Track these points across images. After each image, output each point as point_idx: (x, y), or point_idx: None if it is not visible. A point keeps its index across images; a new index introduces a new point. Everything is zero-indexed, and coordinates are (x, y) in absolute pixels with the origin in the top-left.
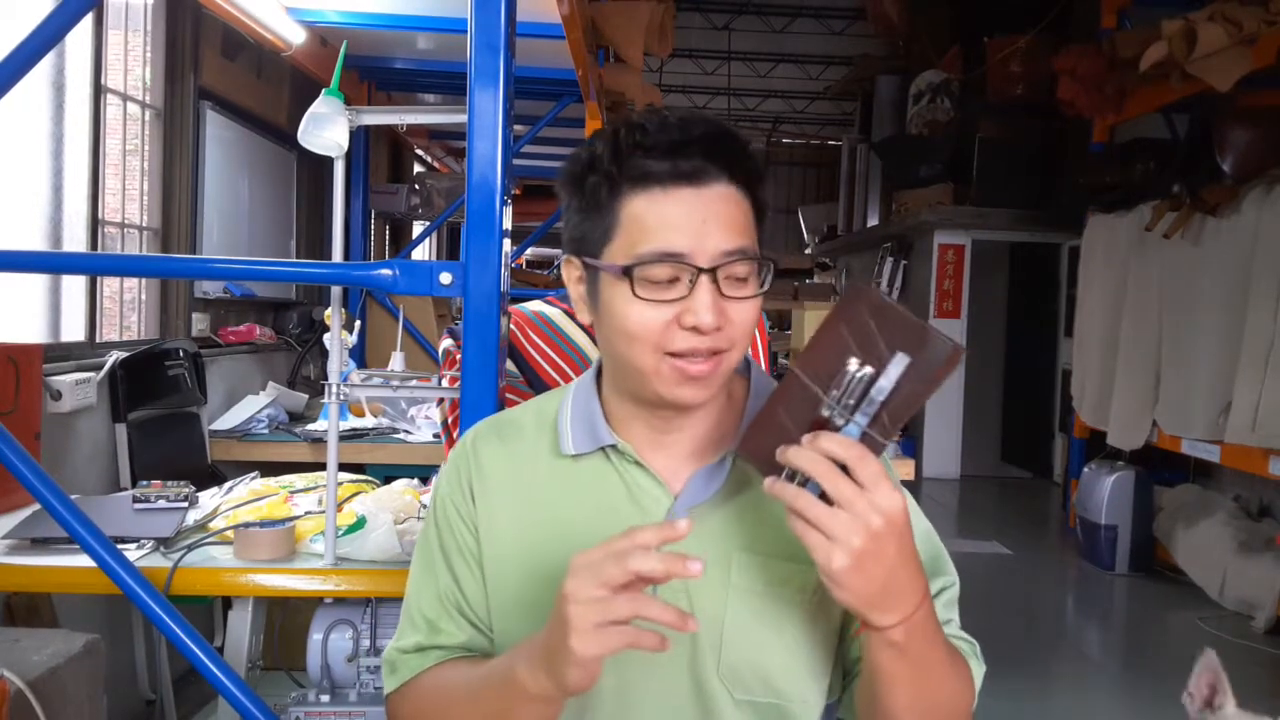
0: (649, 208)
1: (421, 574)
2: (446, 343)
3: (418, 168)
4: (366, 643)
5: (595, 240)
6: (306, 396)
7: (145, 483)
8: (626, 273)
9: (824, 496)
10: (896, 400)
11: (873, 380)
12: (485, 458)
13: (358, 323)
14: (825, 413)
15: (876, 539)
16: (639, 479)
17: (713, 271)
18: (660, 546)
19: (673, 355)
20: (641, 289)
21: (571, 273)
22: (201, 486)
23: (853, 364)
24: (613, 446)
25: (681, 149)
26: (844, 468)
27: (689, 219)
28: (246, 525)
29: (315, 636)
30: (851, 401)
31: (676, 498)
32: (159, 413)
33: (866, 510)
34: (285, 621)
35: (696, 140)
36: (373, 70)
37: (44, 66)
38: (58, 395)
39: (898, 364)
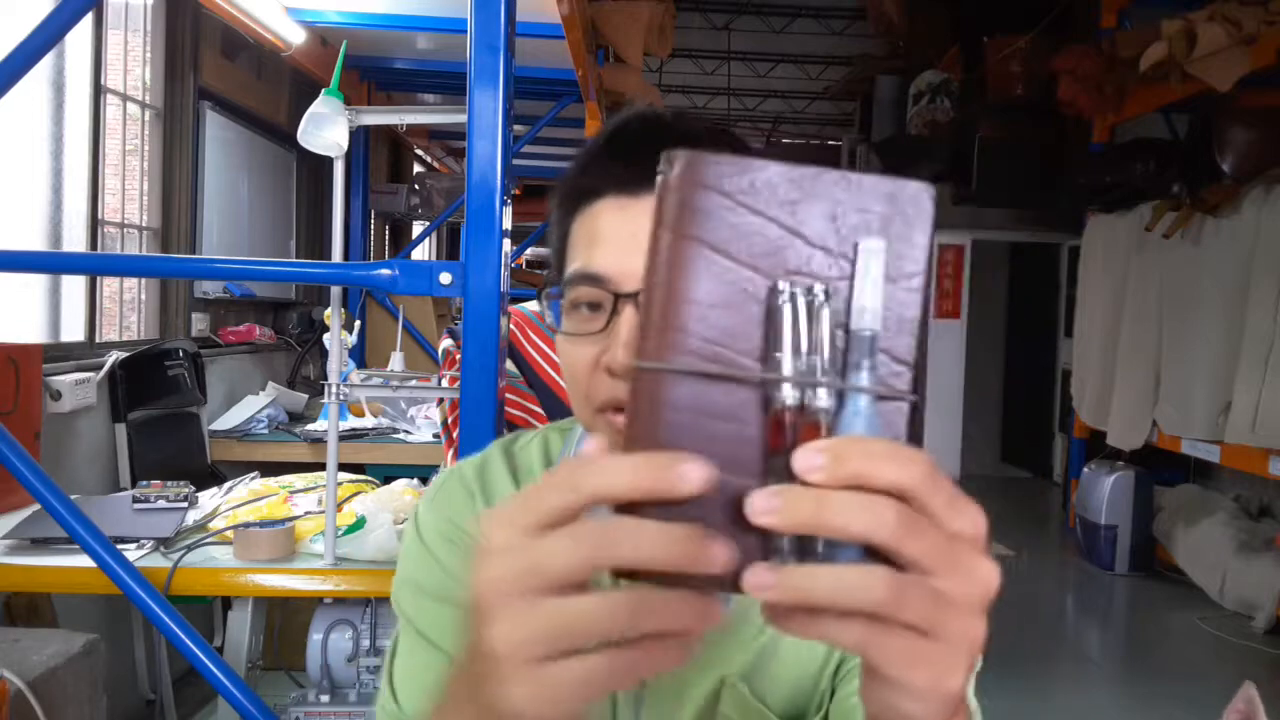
0: (583, 224)
1: (409, 647)
2: (446, 343)
3: (418, 168)
4: (366, 643)
5: (556, 270)
6: (306, 396)
7: (145, 483)
8: (540, 299)
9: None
10: (891, 319)
11: (847, 300)
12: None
13: (357, 323)
14: (788, 399)
15: (987, 603)
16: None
17: (634, 297)
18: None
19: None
20: (568, 320)
21: None
22: (201, 486)
23: (782, 290)
24: None
25: (621, 152)
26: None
27: (617, 234)
28: (246, 525)
29: (315, 636)
30: (823, 357)
31: None
32: (159, 413)
33: (973, 562)
34: (285, 621)
35: (634, 139)
36: (373, 70)
37: (44, 66)
38: (58, 395)
39: (871, 254)
